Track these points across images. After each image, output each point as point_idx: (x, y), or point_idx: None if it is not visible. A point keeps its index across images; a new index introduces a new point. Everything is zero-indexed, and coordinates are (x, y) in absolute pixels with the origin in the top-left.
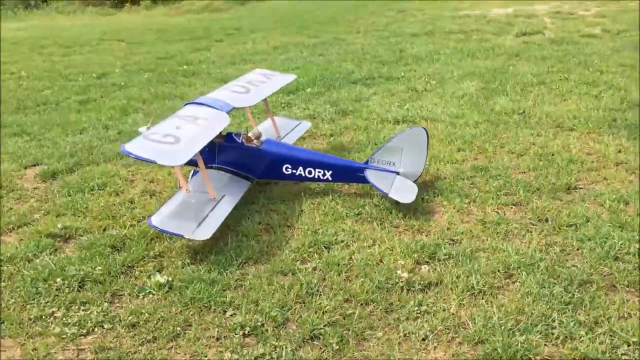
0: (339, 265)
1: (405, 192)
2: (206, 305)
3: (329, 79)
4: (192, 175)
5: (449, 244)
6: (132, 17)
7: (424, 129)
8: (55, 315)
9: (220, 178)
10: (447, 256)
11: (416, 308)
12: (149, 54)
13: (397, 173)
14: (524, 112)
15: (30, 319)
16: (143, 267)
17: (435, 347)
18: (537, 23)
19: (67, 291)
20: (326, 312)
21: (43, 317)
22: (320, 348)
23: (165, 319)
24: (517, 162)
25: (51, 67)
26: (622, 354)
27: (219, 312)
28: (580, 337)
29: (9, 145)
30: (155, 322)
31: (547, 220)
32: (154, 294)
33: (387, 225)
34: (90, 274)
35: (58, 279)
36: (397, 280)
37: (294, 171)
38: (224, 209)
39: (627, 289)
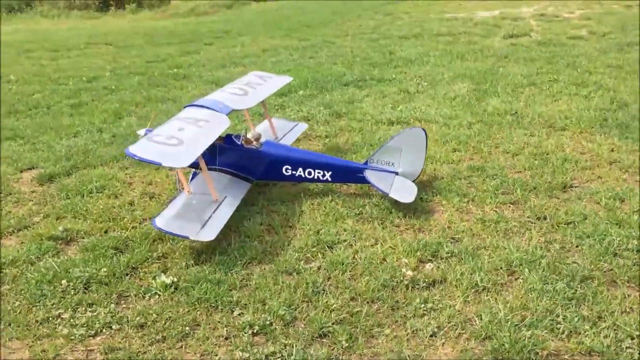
0: (343, 264)
1: (405, 192)
2: (213, 305)
3: (321, 81)
4: (192, 178)
5: (451, 242)
6: (118, 20)
7: (423, 129)
8: (62, 316)
9: (221, 180)
10: (449, 254)
11: (422, 305)
12: (138, 57)
13: (396, 173)
14: (516, 112)
15: (37, 321)
16: (147, 268)
17: (443, 344)
18: (523, 25)
19: (72, 293)
20: (333, 310)
21: (50, 318)
22: (330, 345)
23: (173, 319)
24: (512, 161)
25: (40, 71)
26: (626, 347)
27: (227, 312)
28: (585, 332)
29: (3, 149)
30: (163, 322)
31: (545, 218)
32: (160, 295)
33: (388, 225)
34: (95, 276)
35: (63, 281)
36: (401, 278)
37: (293, 172)
38: (227, 210)
39: (628, 285)
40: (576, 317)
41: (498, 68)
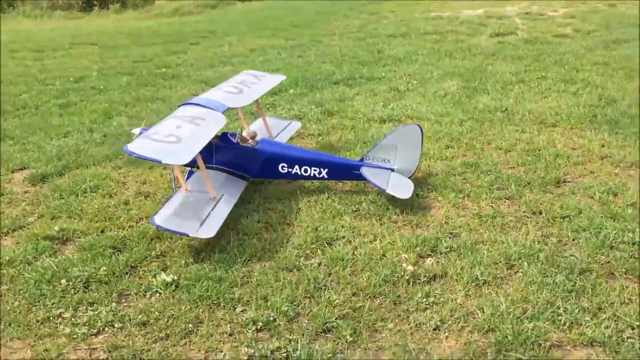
0: (343, 260)
1: (401, 188)
2: (215, 302)
3: (311, 80)
4: (187, 176)
5: (449, 237)
6: (102, 21)
7: (419, 126)
8: (63, 316)
9: (217, 178)
10: (448, 249)
11: (424, 300)
12: (124, 57)
13: (392, 170)
14: (506, 109)
15: (37, 321)
16: (147, 267)
17: (447, 337)
18: (509, 24)
19: (72, 292)
20: (336, 305)
21: (51, 318)
22: (334, 340)
23: (175, 316)
24: (505, 157)
25: (25, 72)
26: (627, 337)
27: (229, 309)
28: (586, 323)
29: None
30: (166, 319)
31: (540, 213)
32: (161, 293)
33: (386, 221)
34: (95, 275)
35: (62, 281)
36: (402, 273)
37: (289, 170)
38: (225, 207)
39: (625, 276)
40: (576, 308)
41: (486, 66)
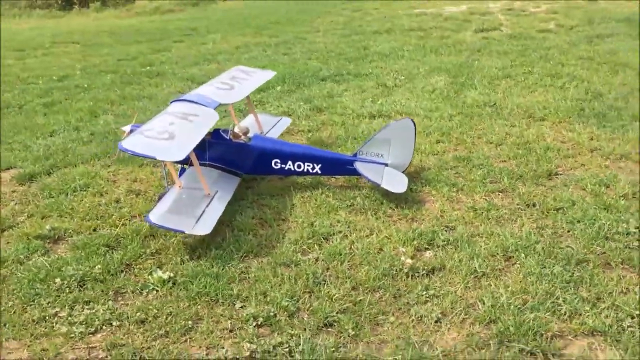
0: (341, 254)
1: (396, 182)
2: (214, 298)
3: (298, 77)
4: (180, 173)
5: (445, 230)
6: (82, 19)
7: (412, 120)
8: (59, 315)
9: (210, 174)
10: (445, 242)
11: (424, 292)
12: (108, 55)
13: (386, 165)
14: (495, 104)
15: (33, 320)
16: (142, 264)
17: (449, 329)
18: (492, 20)
19: (67, 291)
20: (336, 300)
21: (46, 317)
22: (336, 334)
23: (174, 313)
24: (496, 151)
25: (7, 71)
26: (627, 326)
27: (228, 305)
28: (585, 313)
29: None
30: (164, 317)
31: (534, 205)
32: (157, 290)
33: (382, 215)
34: (89, 273)
35: (57, 279)
36: (401, 266)
37: (283, 165)
38: (220, 204)
39: (622, 266)
40: (576, 298)
41: (473, 61)
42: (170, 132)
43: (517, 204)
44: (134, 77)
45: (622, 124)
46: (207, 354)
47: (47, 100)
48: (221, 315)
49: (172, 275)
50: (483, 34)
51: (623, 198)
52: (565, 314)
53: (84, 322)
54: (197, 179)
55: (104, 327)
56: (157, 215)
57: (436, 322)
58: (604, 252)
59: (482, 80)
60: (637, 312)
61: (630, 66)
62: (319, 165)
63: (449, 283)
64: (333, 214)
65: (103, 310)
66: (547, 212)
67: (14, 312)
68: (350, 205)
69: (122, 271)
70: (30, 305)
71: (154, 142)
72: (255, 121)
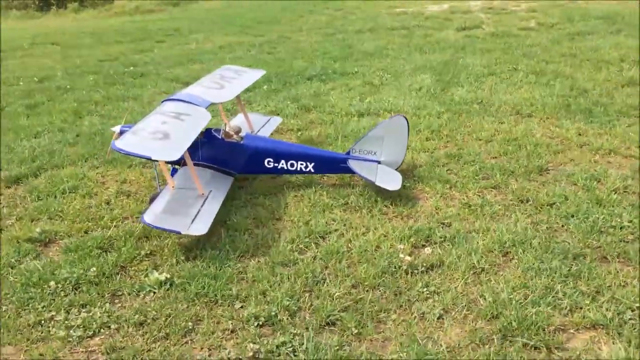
0: (338, 253)
1: (390, 180)
2: (213, 299)
3: (284, 76)
4: (172, 174)
5: (441, 227)
6: (60, 20)
7: (404, 117)
8: (55, 319)
9: (203, 175)
10: (442, 239)
11: (424, 289)
12: (88, 56)
13: (379, 162)
14: (482, 101)
15: (29, 325)
16: (137, 266)
17: (451, 325)
18: (474, 18)
19: (62, 294)
20: (336, 298)
21: (42, 322)
22: (339, 333)
23: (173, 315)
24: (486, 148)
25: None
26: (629, 319)
27: (228, 306)
28: (586, 306)
29: None
30: (164, 319)
31: (527, 201)
32: (155, 292)
33: (377, 213)
34: (84, 276)
35: (51, 283)
36: (400, 263)
37: (276, 165)
38: (214, 204)
39: (618, 260)
40: (575, 292)
41: (457, 59)
42: (164, 132)
43: (511, 200)
44: (117, 78)
45: (608, 120)
46: (209, 355)
47: (29, 102)
48: (221, 315)
49: (168, 276)
50: (465, 32)
51: (614, 192)
52: (566, 308)
53: (81, 326)
54: (190, 179)
55: (102, 330)
56: (152, 215)
57: (439, 318)
58: (600, 246)
59: (468, 77)
60: (637, 305)
61: (612, 63)
62: (312, 164)
63: (449, 279)
64: (328, 212)
65: (100, 313)
66: (541, 208)
67: (9, 317)
68: (344, 204)
69: (117, 273)
70: (25, 309)
71: (148, 142)
72: (246, 120)
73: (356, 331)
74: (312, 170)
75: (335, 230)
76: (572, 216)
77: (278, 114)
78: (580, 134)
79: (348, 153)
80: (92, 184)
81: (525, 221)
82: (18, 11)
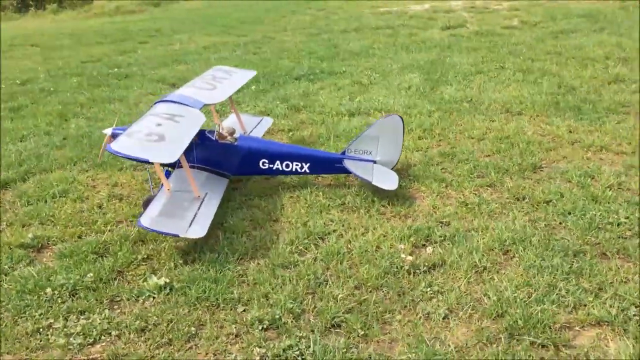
0: (339, 254)
1: (386, 179)
2: (214, 303)
3: (271, 76)
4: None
5: (440, 226)
6: (39, 21)
7: (400, 116)
8: (54, 326)
9: (198, 177)
10: (442, 238)
11: (428, 289)
12: (70, 58)
13: (374, 162)
14: (471, 99)
15: (27, 333)
16: (134, 271)
17: (457, 325)
18: (457, 17)
19: (59, 301)
20: (340, 300)
21: (41, 329)
22: (346, 335)
23: (175, 320)
24: (479, 146)
25: None
26: (633, 315)
27: (230, 309)
28: (590, 303)
29: None
30: (165, 324)
31: (524, 199)
32: (154, 297)
33: (374, 213)
34: (81, 282)
35: (47, 290)
36: (401, 264)
37: (271, 165)
38: (211, 206)
39: (618, 256)
40: (578, 289)
41: (444, 58)
42: (159, 134)
43: (507, 198)
44: (101, 79)
45: (597, 117)
46: None
47: (12, 105)
48: (224, 320)
49: (167, 280)
50: (450, 31)
51: (609, 189)
52: (570, 306)
53: (81, 333)
54: (185, 182)
55: (102, 337)
56: (149, 219)
57: (444, 318)
58: (599, 243)
59: (456, 76)
60: None
61: (597, 60)
62: (307, 165)
63: (452, 278)
64: (325, 213)
65: (100, 319)
66: (538, 205)
67: (5, 325)
68: (341, 204)
69: (114, 279)
70: (22, 317)
71: (144, 144)
72: (238, 121)
73: (362, 333)
74: (308, 171)
75: (334, 231)
76: (569, 213)
77: (268, 115)
78: (571, 132)
79: (343, 153)
80: (82, 187)
81: (523, 219)
82: None
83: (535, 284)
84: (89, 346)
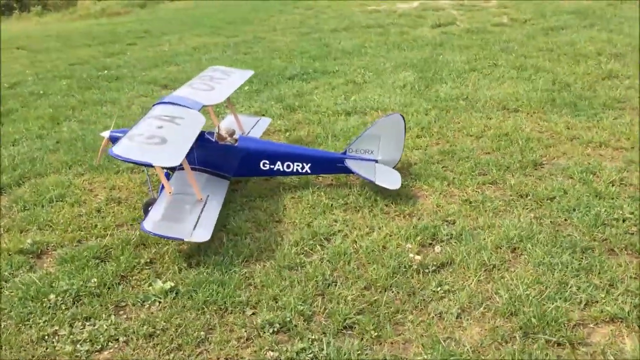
0: (345, 254)
1: (389, 178)
2: (222, 307)
3: (264, 76)
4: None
5: (446, 224)
6: (23, 24)
7: (401, 115)
8: (59, 333)
9: (199, 179)
10: (448, 236)
11: (438, 288)
12: (58, 60)
13: (376, 161)
14: (467, 97)
15: (32, 341)
16: (138, 275)
17: (471, 324)
18: (446, 15)
19: (63, 307)
20: (350, 301)
21: (46, 337)
22: (359, 336)
23: (184, 325)
24: (478, 143)
25: None
26: None
27: (239, 313)
28: (602, 300)
29: None
30: (174, 329)
31: (527, 196)
32: (160, 302)
33: (378, 212)
34: (84, 288)
35: (50, 296)
36: (409, 263)
37: (272, 166)
38: (214, 208)
39: (626, 252)
40: (589, 286)
41: (437, 56)
42: (161, 137)
43: (510, 195)
44: (91, 82)
45: (594, 113)
46: None
47: (2, 109)
48: (234, 323)
49: (173, 284)
50: (441, 29)
51: (612, 185)
52: (582, 303)
53: (88, 340)
54: (185, 184)
55: (110, 344)
56: (152, 223)
57: (457, 317)
58: (606, 239)
59: (450, 74)
60: None
61: (590, 56)
62: (309, 165)
63: (462, 277)
64: (329, 213)
65: (106, 325)
66: (541, 202)
67: (9, 333)
68: (344, 204)
69: (118, 284)
70: (26, 324)
71: (146, 148)
72: (236, 122)
73: (375, 334)
74: (309, 171)
75: (339, 231)
76: (574, 210)
77: (263, 115)
78: (569, 128)
79: (345, 153)
80: (79, 191)
81: (528, 216)
82: None
83: (545, 281)
84: (97, 353)
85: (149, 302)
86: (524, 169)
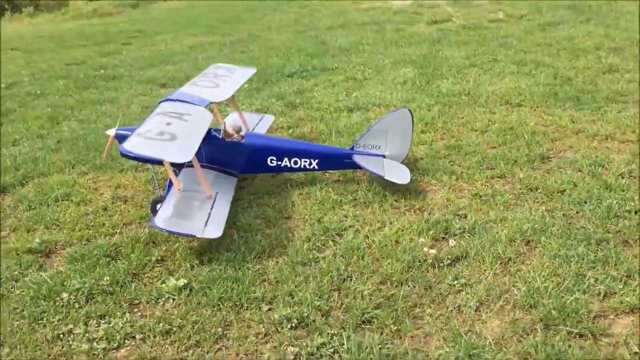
0: (359, 249)
1: (398, 173)
2: (238, 303)
3: (263, 74)
4: None
5: (458, 218)
6: (15, 25)
7: (409, 110)
8: (74, 332)
9: (207, 176)
10: (461, 230)
11: (455, 282)
12: (53, 60)
13: (384, 156)
14: (469, 92)
15: (47, 340)
16: (149, 273)
17: (490, 317)
18: (442, 12)
19: (77, 306)
20: (366, 296)
21: (61, 335)
22: (378, 331)
23: (200, 321)
24: (484, 138)
25: None
26: None
27: (255, 309)
28: (620, 291)
29: None
30: (191, 326)
31: (537, 189)
32: (174, 299)
33: (388, 207)
34: (97, 286)
35: (63, 295)
36: (424, 257)
37: (279, 163)
38: (224, 205)
39: None
40: (607, 278)
41: (436, 52)
42: (170, 133)
43: (520, 189)
44: (88, 81)
45: (598, 106)
46: None
47: (1, 109)
48: (251, 319)
49: (186, 281)
50: (437, 26)
51: (621, 177)
52: (600, 294)
53: (104, 338)
54: (194, 181)
55: (126, 341)
56: (163, 220)
57: (476, 311)
58: (620, 231)
59: (451, 69)
60: None
61: (589, 51)
62: (316, 161)
63: (478, 271)
64: (338, 208)
65: (122, 323)
66: (552, 195)
67: (23, 333)
68: (353, 199)
69: (131, 281)
70: (39, 323)
71: (157, 144)
72: (241, 119)
73: (395, 328)
74: (316, 167)
75: (350, 226)
76: (585, 202)
77: (265, 112)
78: (573, 121)
79: (352, 148)
80: (84, 190)
81: (539, 209)
82: None
83: (563, 273)
84: (114, 350)
85: (163, 299)
86: (532, 163)
